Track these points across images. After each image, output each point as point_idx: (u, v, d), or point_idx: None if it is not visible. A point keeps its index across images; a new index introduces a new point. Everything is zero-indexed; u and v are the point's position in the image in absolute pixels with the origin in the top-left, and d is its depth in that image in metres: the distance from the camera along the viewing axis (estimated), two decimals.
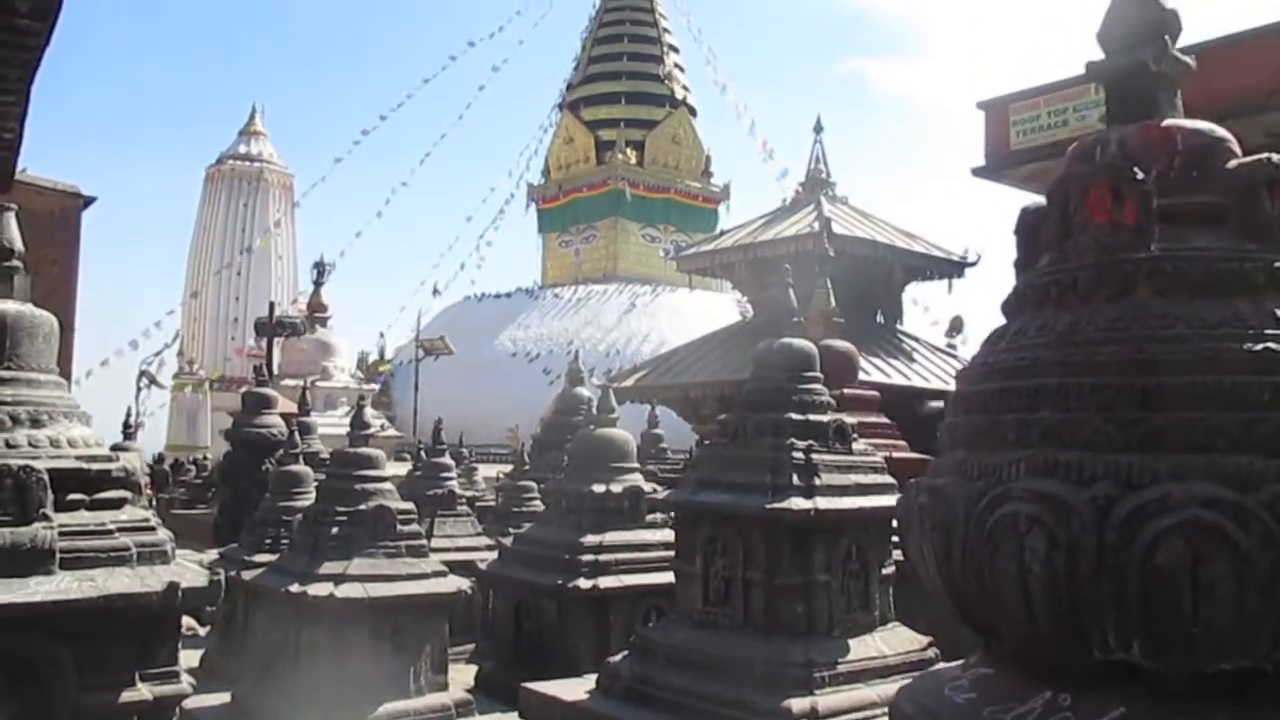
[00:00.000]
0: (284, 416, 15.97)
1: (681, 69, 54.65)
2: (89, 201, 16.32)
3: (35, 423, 4.87)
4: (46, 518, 4.52)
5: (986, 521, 2.33)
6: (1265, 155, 2.52)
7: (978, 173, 15.63)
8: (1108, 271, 2.47)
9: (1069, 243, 2.58)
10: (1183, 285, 2.44)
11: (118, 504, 4.95)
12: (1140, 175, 2.47)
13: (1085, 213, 2.54)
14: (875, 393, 14.03)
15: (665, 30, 55.27)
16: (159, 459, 30.79)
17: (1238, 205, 2.51)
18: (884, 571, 6.86)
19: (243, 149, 50.65)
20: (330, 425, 27.80)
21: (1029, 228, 2.68)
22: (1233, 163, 2.57)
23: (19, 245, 5.23)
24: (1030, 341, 2.49)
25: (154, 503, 20.02)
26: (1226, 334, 2.40)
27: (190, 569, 4.98)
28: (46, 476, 4.54)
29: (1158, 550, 2.15)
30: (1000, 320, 2.92)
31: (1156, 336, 2.39)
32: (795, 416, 7.01)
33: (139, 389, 36.76)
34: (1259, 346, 2.36)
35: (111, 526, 4.80)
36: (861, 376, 15.27)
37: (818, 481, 6.70)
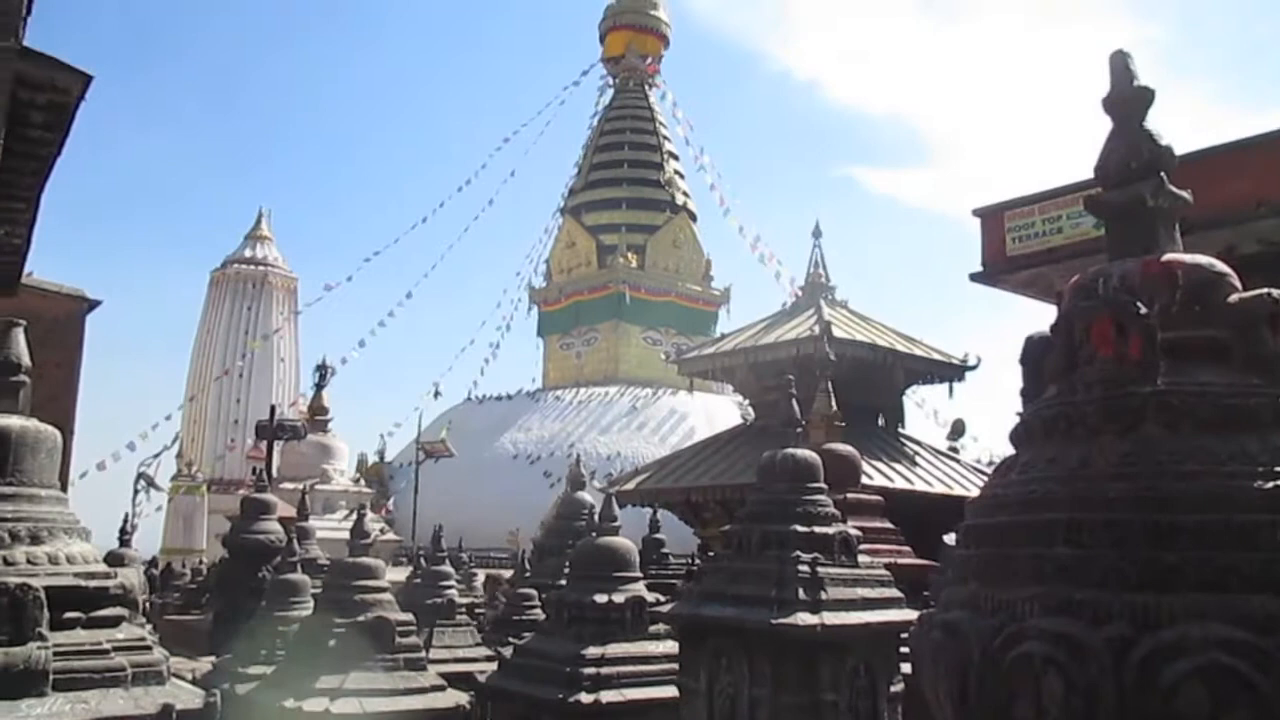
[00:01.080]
0: (282, 521, 15.83)
1: (681, 175, 55.77)
2: (94, 305, 16.45)
3: (34, 539, 4.84)
4: (42, 637, 4.45)
5: (1002, 661, 2.29)
6: (1265, 291, 2.56)
7: (975, 278, 15.81)
8: (1115, 406, 2.48)
9: (1075, 375, 2.60)
10: (1190, 420, 2.45)
11: (114, 622, 4.89)
12: (1143, 310, 2.51)
13: (1090, 346, 2.57)
14: (879, 497, 13.94)
15: (665, 138, 56.54)
16: (153, 562, 30.43)
17: (1240, 340, 2.54)
18: (892, 689, 6.73)
19: (248, 253, 51.30)
20: (329, 529, 27.55)
21: (1034, 358, 2.71)
22: (1234, 297, 2.61)
23: (27, 360, 5.26)
24: (1040, 475, 2.50)
25: (148, 607, 19.67)
26: (1236, 471, 2.40)
27: (185, 690, 4.88)
28: (43, 594, 4.49)
29: (1178, 696, 2.10)
30: (1004, 436, 2.93)
31: (1167, 473, 2.39)
32: (800, 529, 6.97)
33: (136, 491, 36.55)
34: (1269, 484, 2.35)
35: (107, 646, 4.72)
36: (864, 480, 15.19)
37: (824, 595, 6.62)
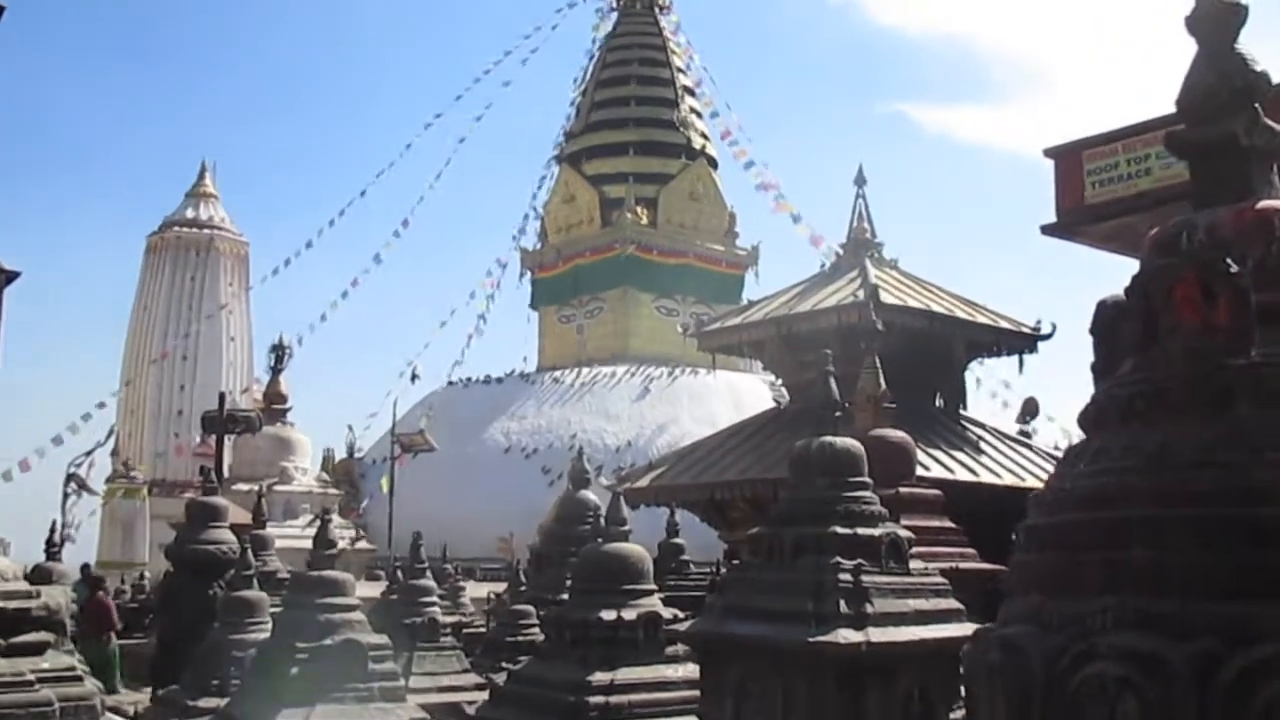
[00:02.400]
0: (236, 529, 15.96)
1: (699, 115, 55.49)
2: (11, 277, 16.55)
3: None
4: None
5: (1069, 683, 2.31)
6: None
7: (1048, 230, 15.75)
8: (1202, 382, 2.48)
9: (1154, 347, 2.60)
10: None
11: (38, 649, 4.95)
12: (1234, 267, 2.50)
13: (1172, 312, 2.57)
14: (937, 491, 13.99)
15: (679, 70, 56.25)
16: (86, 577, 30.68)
17: None
18: (952, 717, 6.75)
19: (190, 213, 51.34)
20: (290, 537, 27.77)
21: (1107, 326, 2.70)
22: None
23: None
24: (1115, 464, 2.50)
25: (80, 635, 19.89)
26: None
27: None
28: None
29: None
30: (1078, 420, 2.93)
31: (1263, 460, 2.38)
32: (841, 530, 6.97)
33: (66, 495, 36.80)
34: None
35: (31, 677, 4.79)
36: (920, 472, 15.20)
37: (869, 609, 6.64)
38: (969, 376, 24.40)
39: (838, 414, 7.68)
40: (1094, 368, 2.78)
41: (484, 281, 55.39)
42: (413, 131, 57.51)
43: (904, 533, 7.29)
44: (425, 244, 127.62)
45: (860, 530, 6.99)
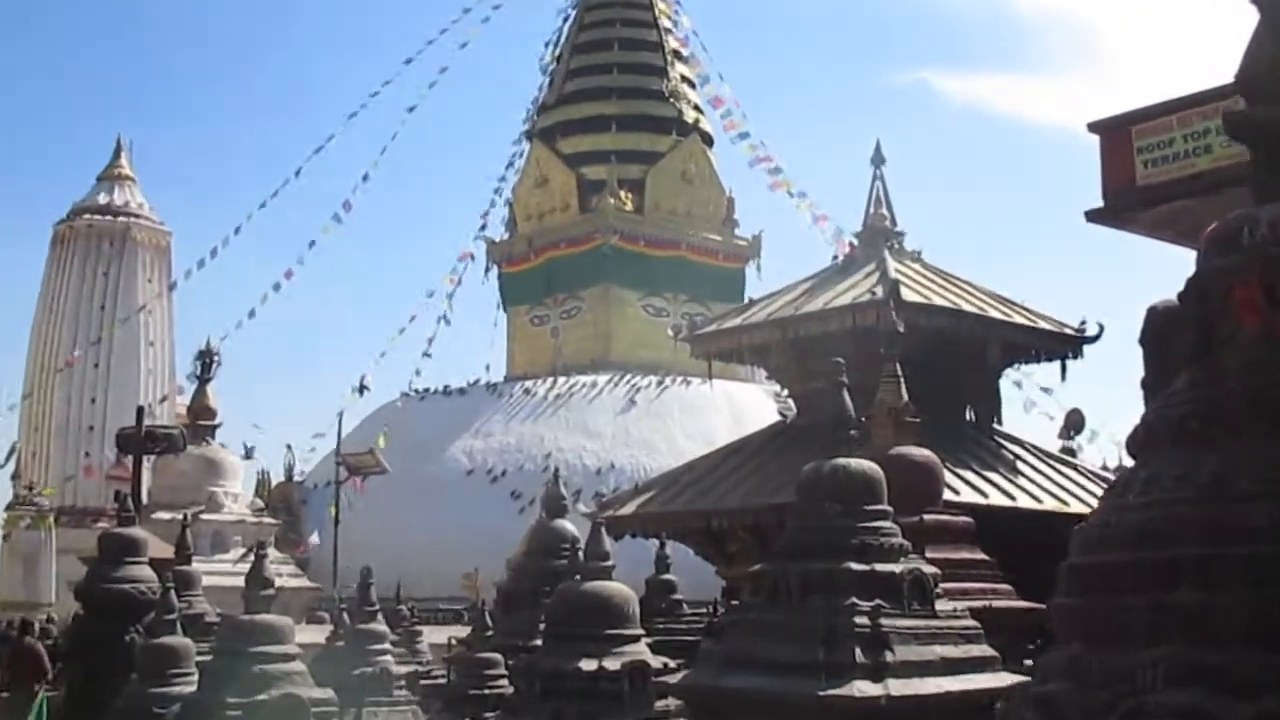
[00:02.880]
0: (156, 564, 15.92)
1: (691, 84, 55.59)
2: None
3: None
4: None
5: None
6: None
7: (1094, 216, 15.81)
8: (1262, 398, 2.50)
9: (1211, 359, 2.62)
10: None
11: None
12: None
13: (1230, 318, 2.59)
14: (967, 518, 14.04)
15: (667, 31, 56.39)
16: None
17: None
18: None
19: (103, 199, 51.13)
20: (219, 574, 27.70)
21: (1158, 336, 2.73)
22: None
23: None
24: (1165, 495, 2.52)
25: None
26: None
27: None
28: None
29: None
30: (1126, 444, 2.94)
31: None
32: (856, 567, 7.00)
33: None
34: None
35: None
36: (948, 496, 15.23)
37: (889, 658, 6.66)
38: (1004, 385, 24.48)
39: (853, 431, 7.70)
40: (1144, 383, 2.80)
41: (444, 278, 55.32)
42: (356, 100, 56.99)
43: (929, 568, 7.31)
44: (374, 233, 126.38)
45: (879, 566, 7.00)
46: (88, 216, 50.83)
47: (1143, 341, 2.82)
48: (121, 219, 50.81)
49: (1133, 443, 2.81)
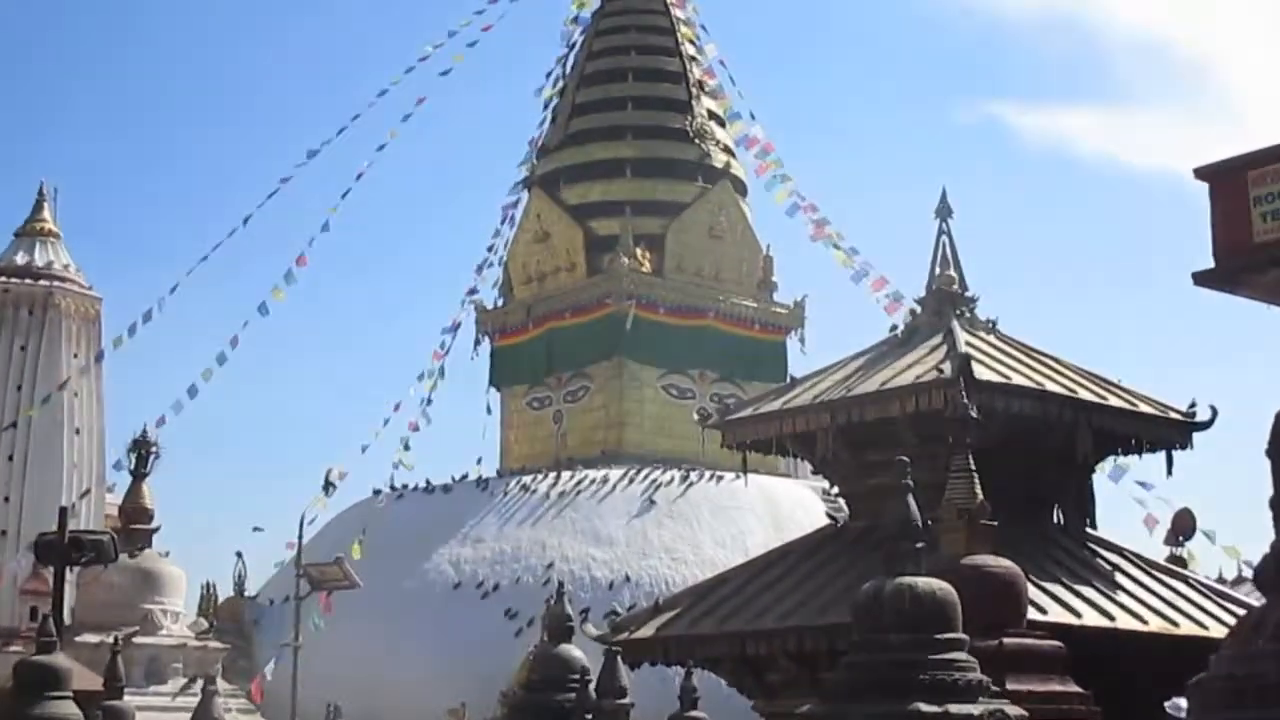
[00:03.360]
0: (81, 698, 15.85)
1: (721, 122, 55.87)
2: None
3: None
4: None
5: None
6: None
7: (1202, 279, 15.70)
8: None
9: None
10: None
11: None
12: None
13: None
14: (1056, 642, 13.93)
15: (692, 60, 56.71)
16: None
17: None
18: None
19: (22, 258, 51.40)
20: (157, 709, 27.58)
21: None
22: None
23: None
24: None
25: None
26: None
27: None
28: None
29: None
30: (1258, 535, 2.89)
31: None
32: (927, 709, 6.91)
33: None
34: None
35: None
36: (1032, 615, 15.10)
37: None
38: (1098, 480, 24.28)
39: (919, 543, 7.62)
40: (1273, 503, 2.74)
41: (430, 352, 55.46)
42: (317, 136, 56.90)
43: (1013, 709, 7.20)
44: (340, 296, 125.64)
45: (953, 708, 6.85)
46: (3, 279, 51.02)
47: (1270, 453, 2.77)
48: (44, 282, 50.88)
49: (1262, 577, 2.75)
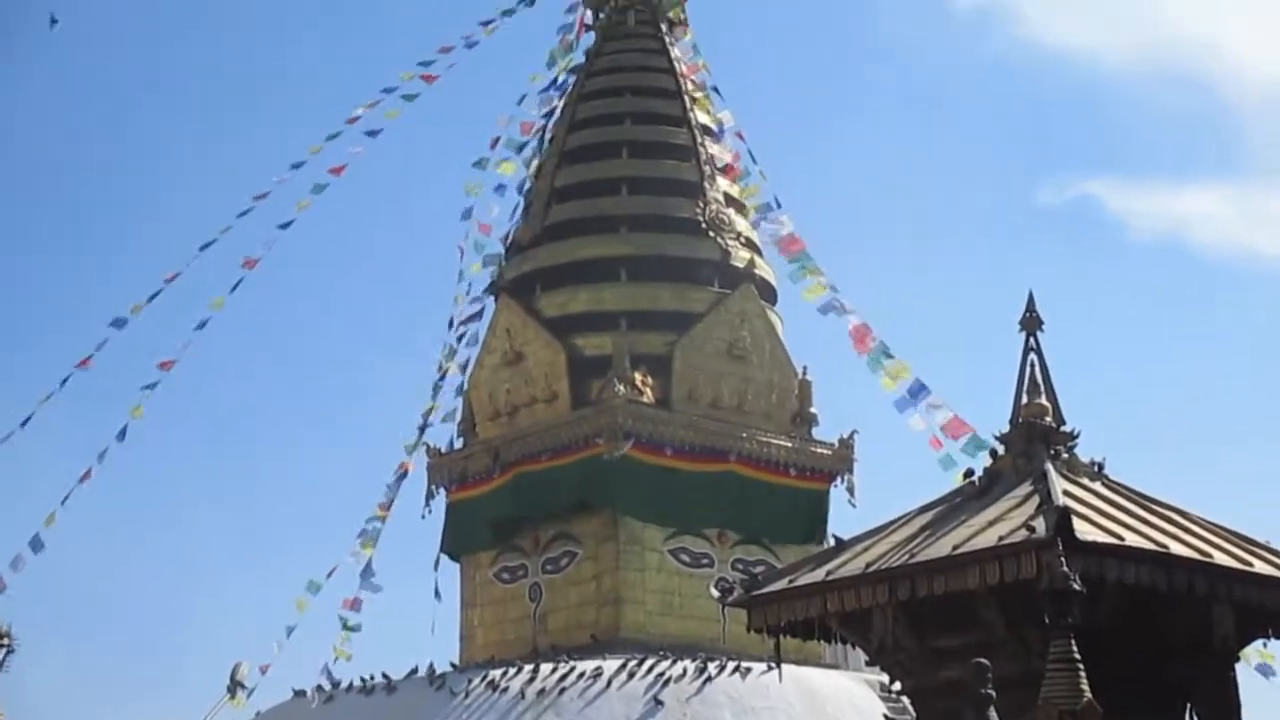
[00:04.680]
0: None
1: (740, 208, 56.05)
2: None
3: None
4: None
5: None
6: None
7: None
8: None
9: None
10: None
11: None
12: None
13: None
14: None
15: (705, 131, 57.02)
16: None
17: None
18: None
19: None
20: None
21: None
22: None
23: None
24: None
25: None
26: None
27: None
28: None
29: None
30: None
31: None
32: None
33: None
34: None
35: None
36: None
37: None
38: (1242, 670, 24.14)
39: None
40: None
41: (373, 509, 55.51)
42: (215, 222, 57.21)
43: None
44: (243, 426, 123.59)
45: None
46: None
47: None
48: None
49: None
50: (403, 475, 55.49)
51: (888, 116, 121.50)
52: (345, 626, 52.80)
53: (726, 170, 56.43)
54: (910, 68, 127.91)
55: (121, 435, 54.41)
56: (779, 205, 55.84)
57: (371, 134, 59.69)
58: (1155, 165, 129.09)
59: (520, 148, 58.61)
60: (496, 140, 58.73)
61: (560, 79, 59.56)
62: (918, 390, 50.69)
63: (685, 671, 47.22)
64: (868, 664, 30.24)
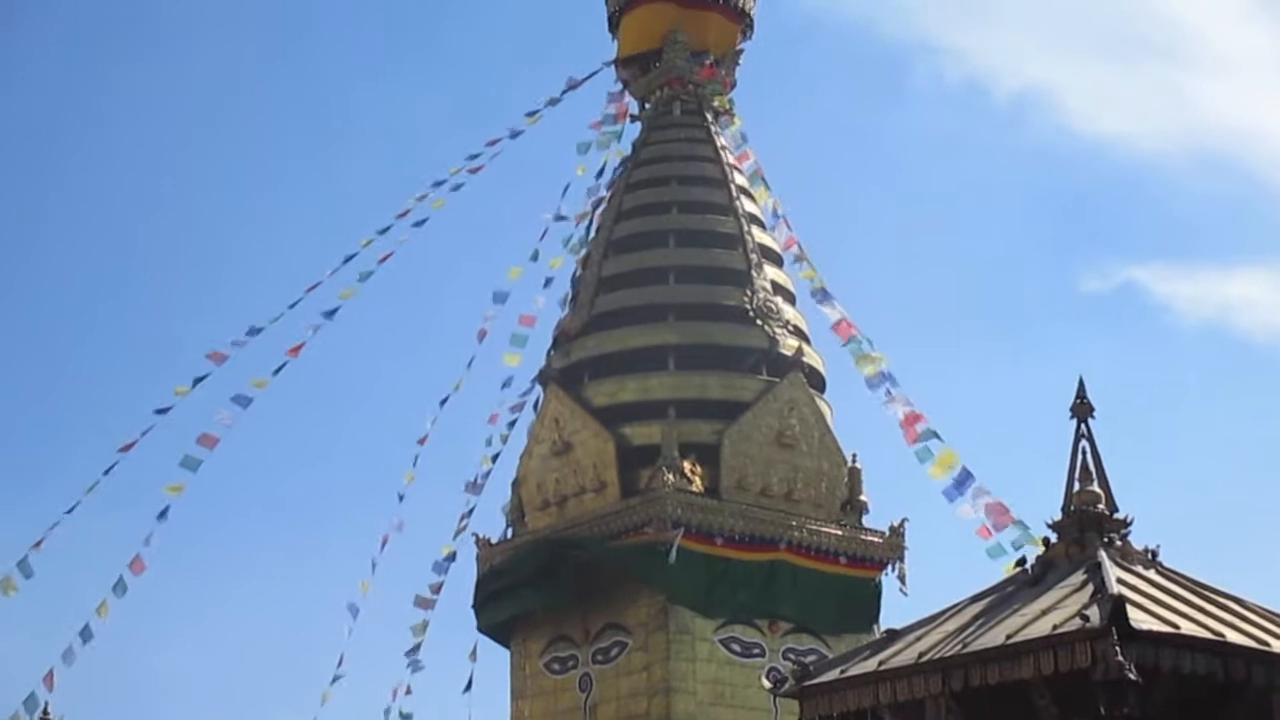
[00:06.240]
0: None
1: (789, 298, 56.11)
2: None
3: None
4: None
5: None
6: None
7: None
8: None
9: None
10: None
11: None
12: None
13: None
14: None
15: (752, 220, 57.10)
16: None
17: None
18: None
19: None
20: None
21: None
22: None
23: None
24: None
25: None
26: None
27: None
28: None
29: None
30: None
31: None
32: None
33: None
34: None
35: None
36: None
37: None
38: None
39: None
40: None
41: (418, 598, 55.50)
42: (262, 309, 57.87)
43: None
44: (273, 512, 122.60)
45: None
46: None
47: None
48: None
49: None
50: (449, 560, 55.71)
51: (932, 205, 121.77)
52: (400, 715, 52.82)
53: (774, 258, 56.58)
54: (953, 157, 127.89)
55: (163, 515, 54.58)
56: (828, 293, 56.15)
57: (418, 224, 60.26)
58: (1199, 250, 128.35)
59: (566, 239, 59.11)
60: (545, 232, 59.40)
61: (606, 169, 60.01)
62: (964, 478, 50.70)
63: None
64: None
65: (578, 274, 57.47)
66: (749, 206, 57.47)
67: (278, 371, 57.69)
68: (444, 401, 58.96)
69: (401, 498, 58.23)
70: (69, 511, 53.95)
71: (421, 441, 58.77)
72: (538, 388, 56.56)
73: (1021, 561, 25.89)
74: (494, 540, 55.46)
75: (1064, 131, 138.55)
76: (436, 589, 55.83)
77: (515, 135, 61.86)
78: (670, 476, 51.09)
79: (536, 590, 52.40)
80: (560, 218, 59.49)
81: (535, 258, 58.81)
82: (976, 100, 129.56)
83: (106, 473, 55.39)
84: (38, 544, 52.95)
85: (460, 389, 58.51)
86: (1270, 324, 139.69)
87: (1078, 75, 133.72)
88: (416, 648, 54.67)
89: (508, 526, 55.82)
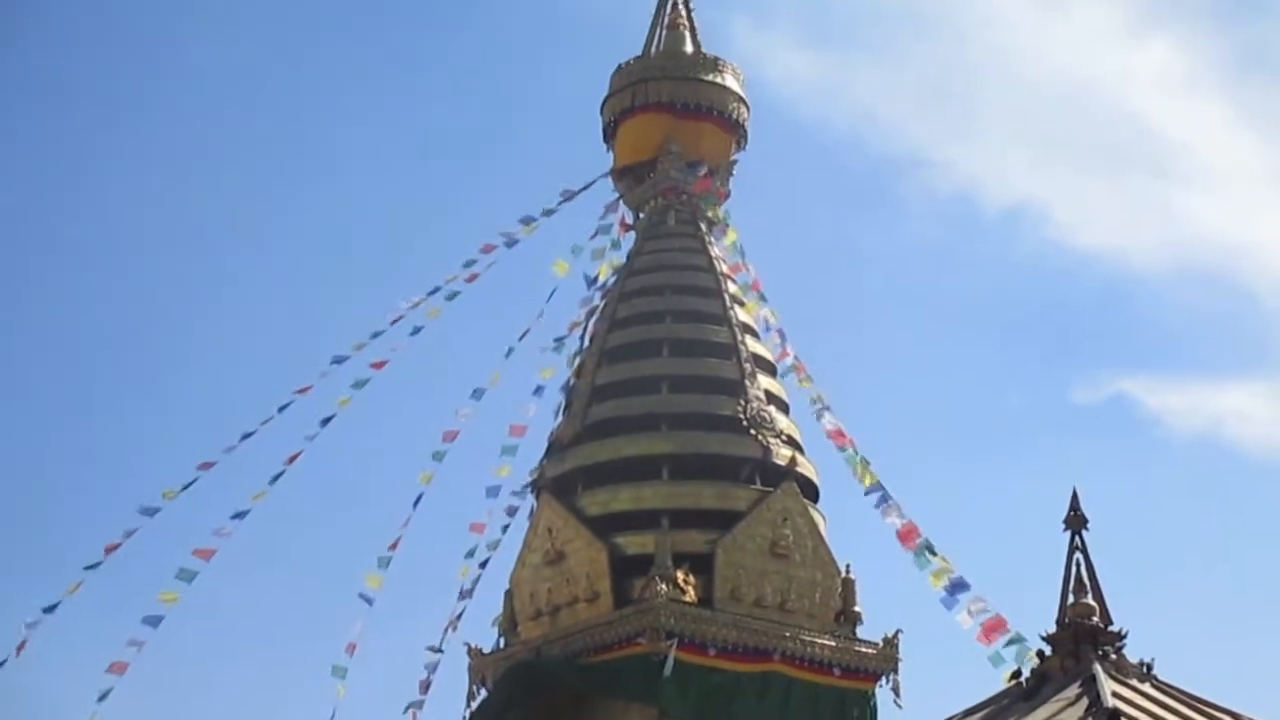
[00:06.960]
0: None
1: (783, 407, 55.93)
2: None
3: None
4: None
5: None
6: None
7: None
8: None
9: None
10: None
11: None
12: None
13: None
14: None
15: (746, 330, 57.10)
16: None
17: None
18: None
19: None
20: None
21: None
22: None
23: None
24: None
25: None
26: None
27: None
28: None
29: None
30: None
31: None
32: None
33: None
34: None
35: None
36: None
37: None
38: None
39: None
40: None
41: (405, 709, 55.16)
42: (254, 411, 58.02)
43: None
44: (256, 617, 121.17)
45: None
46: None
47: None
48: None
49: None
50: (429, 670, 55.56)
51: (924, 315, 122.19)
52: None
53: (767, 366, 56.53)
54: (944, 268, 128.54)
55: (155, 623, 54.32)
56: (824, 404, 56.19)
57: (415, 331, 60.49)
58: (1189, 363, 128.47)
59: (558, 347, 59.10)
60: (525, 332, 59.63)
61: (600, 278, 60.09)
62: (959, 587, 50.59)
63: None
64: None
65: (571, 382, 57.32)
66: (743, 316, 57.32)
67: (275, 480, 57.53)
68: (417, 501, 59.07)
69: (370, 601, 57.86)
70: (48, 611, 53.71)
71: (392, 546, 58.59)
72: (529, 496, 56.44)
73: (1017, 673, 25.88)
74: (485, 651, 55.17)
75: (1053, 244, 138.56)
76: (426, 687, 55.54)
77: (511, 244, 62.09)
78: (664, 586, 50.51)
79: (525, 712, 51.94)
80: (557, 340, 59.88)
81: (509, 354, 59.18)
82: (966, 212, 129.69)
83: (88, 568, 55.15)
84: (20, 646, 52.86)
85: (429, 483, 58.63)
86: (1262, 437, 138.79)
87: (1066, 188, 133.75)
88: None
89: (499, 637, 55.33)
